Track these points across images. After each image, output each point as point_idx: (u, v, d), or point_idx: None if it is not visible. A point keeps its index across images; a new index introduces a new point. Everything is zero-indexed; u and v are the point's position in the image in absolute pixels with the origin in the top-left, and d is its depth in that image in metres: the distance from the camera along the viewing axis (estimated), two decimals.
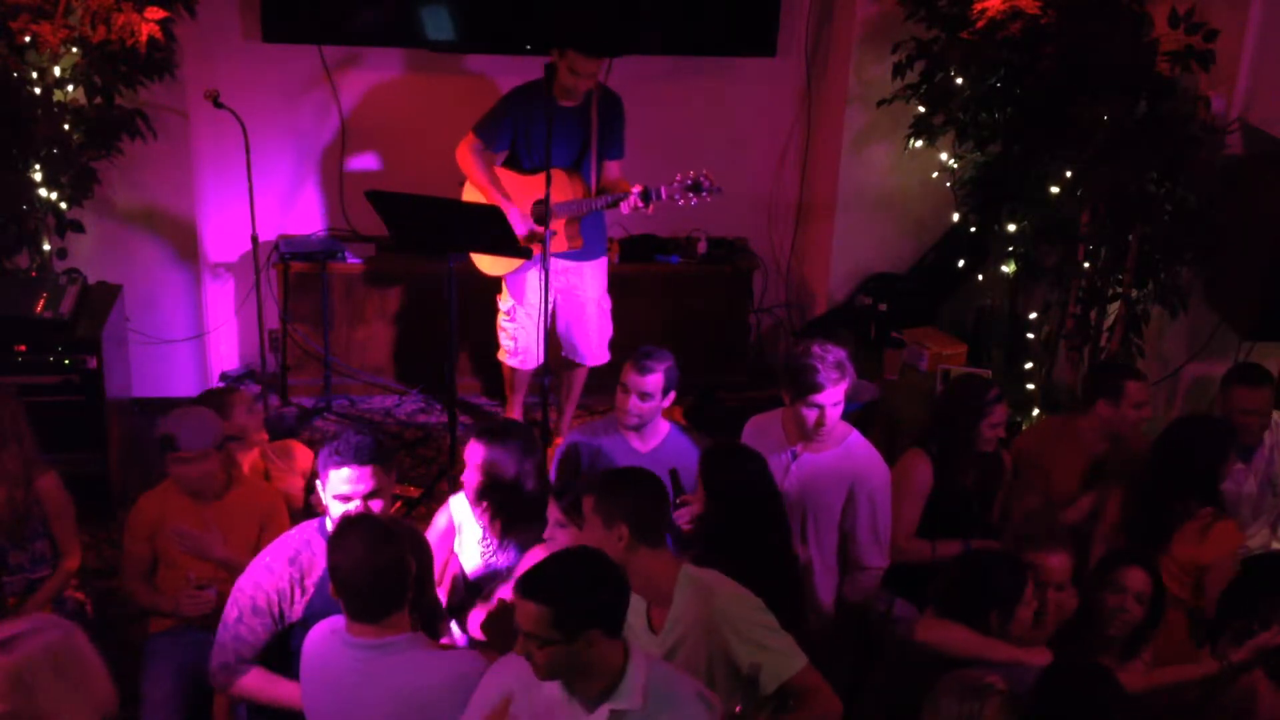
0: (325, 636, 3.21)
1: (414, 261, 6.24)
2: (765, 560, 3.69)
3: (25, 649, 2.73)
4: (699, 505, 3.89)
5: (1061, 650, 3.58)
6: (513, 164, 5.64)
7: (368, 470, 3.49)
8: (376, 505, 3.52)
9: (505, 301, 5.80)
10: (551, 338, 5.72)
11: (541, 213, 5.29)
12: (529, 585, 2.72)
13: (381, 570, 3.09)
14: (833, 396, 4.02)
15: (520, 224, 5.45)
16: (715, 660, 3.18)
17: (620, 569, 2.83)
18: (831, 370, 4.00)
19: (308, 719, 3.27)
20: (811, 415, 4.04)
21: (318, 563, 3.50)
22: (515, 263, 5.62)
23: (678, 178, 5.44)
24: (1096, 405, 4.52)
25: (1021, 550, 3.67)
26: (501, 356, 5.92)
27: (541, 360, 5.66)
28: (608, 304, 5.88)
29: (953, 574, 3.58)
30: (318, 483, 3.60)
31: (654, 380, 4.30)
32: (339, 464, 3.48)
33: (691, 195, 5.42)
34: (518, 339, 5.82)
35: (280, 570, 3.50)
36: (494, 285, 5.83)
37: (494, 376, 6.35)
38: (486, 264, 5.70)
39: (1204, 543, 4.05)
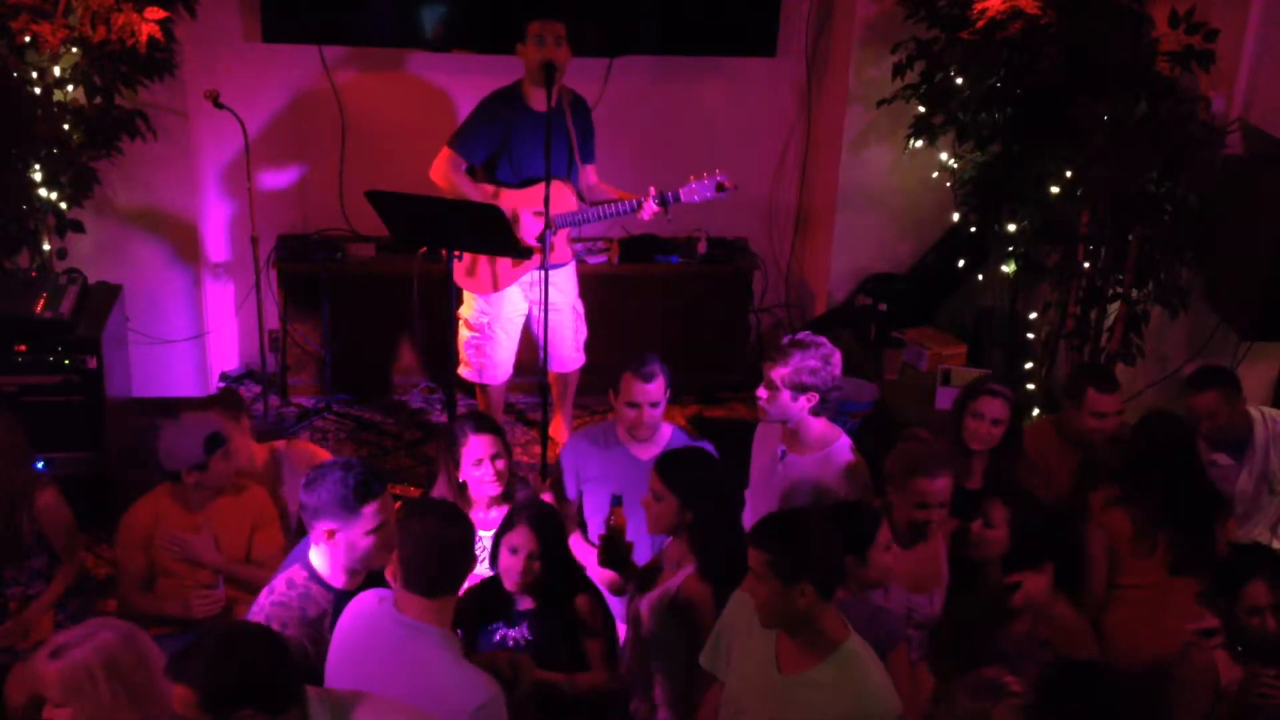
0: (373, 603, 3.22)
1: (414, 261, 6.23)
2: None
3: (76, 655, 2.78)
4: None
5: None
6: (491, 177, 5.55)
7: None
8: None
9: (478, 317, 5.69)
10: (528, 345, 5.70)
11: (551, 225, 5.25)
12: (174, 667, 2.63)
13: (449, 544, 3.11)
14: (775, 372, 4.01)
15: (534, 228, 5.41)
16: None
17: (279, 643, 2.73)
18: (793, 349, 4.00)
19: (328, 676, 3.24)
20: (760, 390, 4.08)
21: (326, 610, 3.43)
22: (503, 280, 5.58)
23: (692, 180, 5.41)
24: (1064, 405, 4.60)
25: (909, 475, 3.86)
26: (464, 373, 5.76)
27: (509, 375, 5.75)
28: (582, 307, 5.83)
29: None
30: (326, 526, 3.39)
31: (658, 386, 4.22)
32: (378, 492, 3.42)
33: (710, 195, 5.40)
34: (491, 355, 5.72)
35: (296, 633, 3.38)
36: None
37: None
38: (477, 283, 5.62)
39: None
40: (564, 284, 5.68)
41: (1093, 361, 5.30)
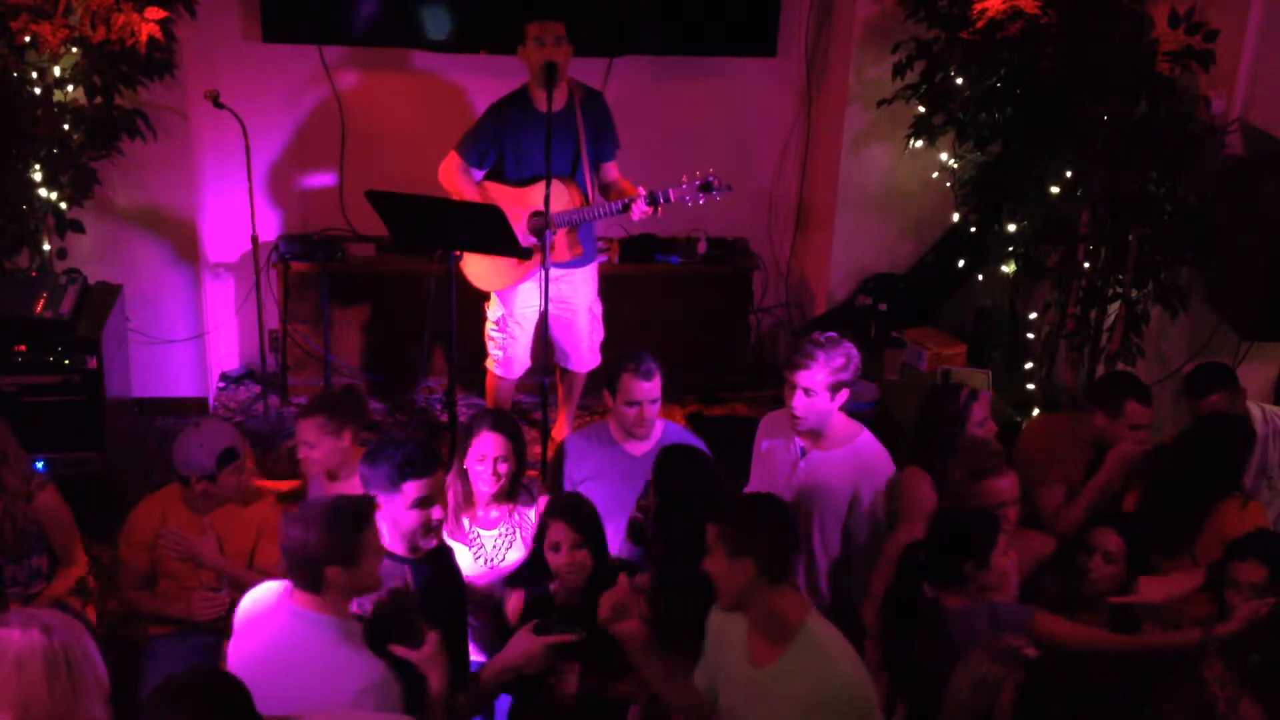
0: (274, 591, 3.28)
1: (413, 261, 6.23)
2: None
3: (4, 632, 2.73)
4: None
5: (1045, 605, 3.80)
6: (497, 178, 5.57)
7: (439, 475, 3.57)
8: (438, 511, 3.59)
9: (494, 311, 5.74)
10: (543, 343, 5.71)
11: (538, 225, 5.27)
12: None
13: (297, 546, 3.15)
14: (809, 379, 3.99)
15: (522, 238, 5.42)
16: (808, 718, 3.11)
17: (237, 687, 2.72)
18: (817, 351, 3.99)
19: (233, 664, 3.28)
20: (788, 395, 4.04)
21: (405, 577, 3.53)
22: (509, 277, 5.60)
23: (684, 179, 5.40)
24: (1095, 414, 4.52)
25: (977, 478, 3.85)
26: (489, 365, 5.85)
27: (525, 369, 5.74)
28: (599, 309, 5.84)
29: (930, 530, 3.69)
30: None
31: (657, 383, 4.25)
32: (421, 475, 3.50)
33: (701, 195, 5.39)
34: (506, 349, 5.75)
35: None
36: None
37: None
38: (483, 279, 5.64)
39: (1245, 516, 4.13)
40: (583, 284, 5.70)
41: (1123, 370, 5.24)
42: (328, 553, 3.12)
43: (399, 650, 3.23)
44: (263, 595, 3.29)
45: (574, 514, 3.71)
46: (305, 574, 3.15)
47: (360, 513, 3.21)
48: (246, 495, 4.19)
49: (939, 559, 3.60)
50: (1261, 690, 3.49)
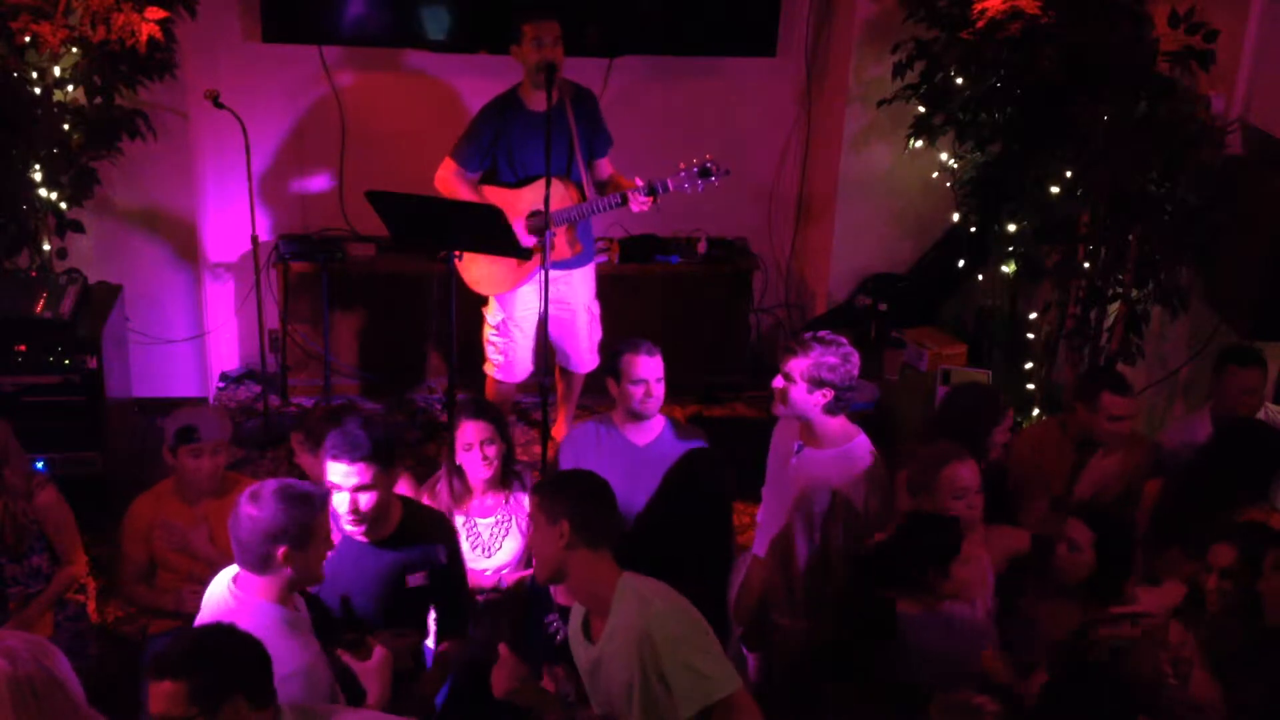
0: (225, 578, 3.32)
1: (413, 261, 6.24)
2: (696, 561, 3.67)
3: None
4: None
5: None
6: (492, 180, 5.57)
7: (359, 467, 3.48)
8: (368, 499, 3.51)
9: (494, 315, 5.74)
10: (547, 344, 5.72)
11: (537, 224, 5.27)
12: (158, 665, 2.66)
13: (247, 524, 3.14)
14: (793, 364, 3.98)
15: (522, 238, 5.43)
16: (647, 673, 3.10)
17: (257, 640, 2.77)
18: (814, 343, 3.98)
19: None
20: (775, 381, 4.06)
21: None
22: (509, 279, 5.60)
23: (681, 166, 5.40)
24: (1077, 408, 4.56)
25: (938, 469, 3.79)
26: (488, 369, 5.86)
27: (529, 373, 5.72)
28: (597, 309, 5.84)
29: (892, 537, 3.65)
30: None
31: (659, 361, 4.24)
32: (334, 457, 3.49)
33: (699, 181, 5.37)
34: (507, 353, 5.75)
35: None
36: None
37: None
38: (483, 283, 5.65)
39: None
40: (581, 284, 5.70)
41: (1105, 364, 5.28)
42: (280, 530, 3.11)
43: (344, 657, 3.25)
44: (215, 584, 3.30)
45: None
46: (252, 553, 3.13)
47: (313, 498, 3.20)
48: (226, 485, 4.19)
49: (900, 562, 3.55)
50: (1224, 667, 3.46)
